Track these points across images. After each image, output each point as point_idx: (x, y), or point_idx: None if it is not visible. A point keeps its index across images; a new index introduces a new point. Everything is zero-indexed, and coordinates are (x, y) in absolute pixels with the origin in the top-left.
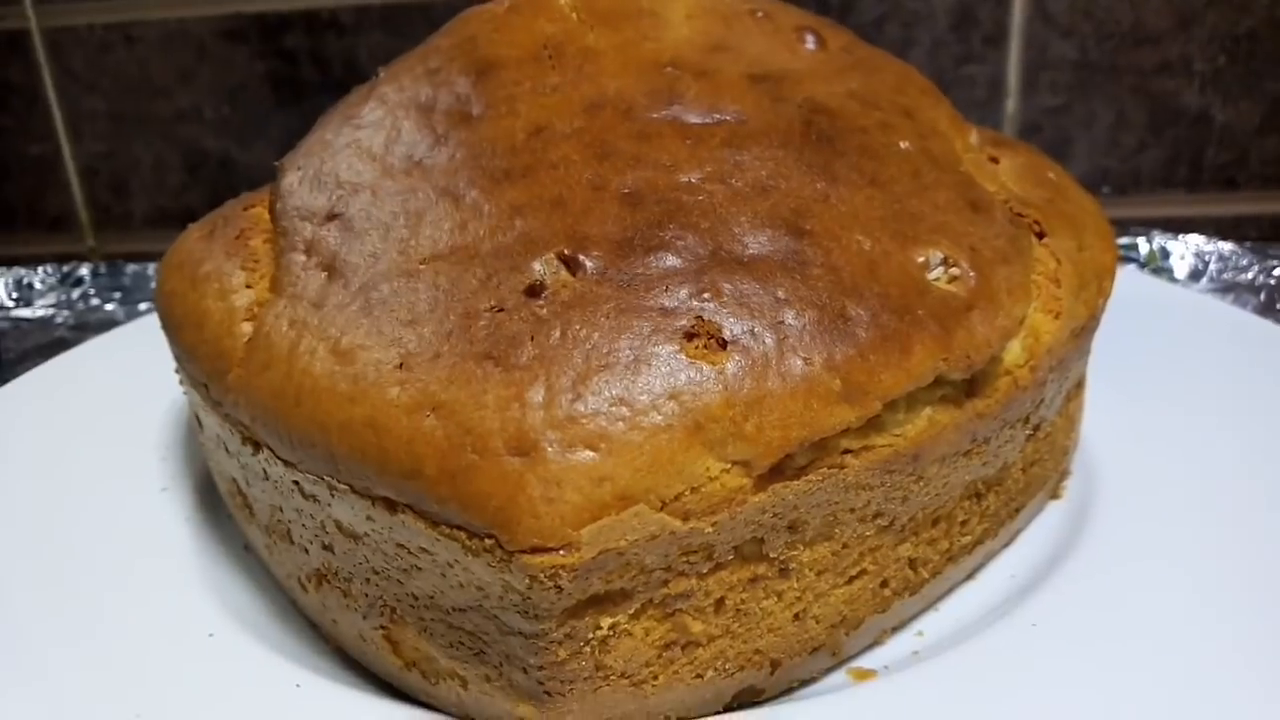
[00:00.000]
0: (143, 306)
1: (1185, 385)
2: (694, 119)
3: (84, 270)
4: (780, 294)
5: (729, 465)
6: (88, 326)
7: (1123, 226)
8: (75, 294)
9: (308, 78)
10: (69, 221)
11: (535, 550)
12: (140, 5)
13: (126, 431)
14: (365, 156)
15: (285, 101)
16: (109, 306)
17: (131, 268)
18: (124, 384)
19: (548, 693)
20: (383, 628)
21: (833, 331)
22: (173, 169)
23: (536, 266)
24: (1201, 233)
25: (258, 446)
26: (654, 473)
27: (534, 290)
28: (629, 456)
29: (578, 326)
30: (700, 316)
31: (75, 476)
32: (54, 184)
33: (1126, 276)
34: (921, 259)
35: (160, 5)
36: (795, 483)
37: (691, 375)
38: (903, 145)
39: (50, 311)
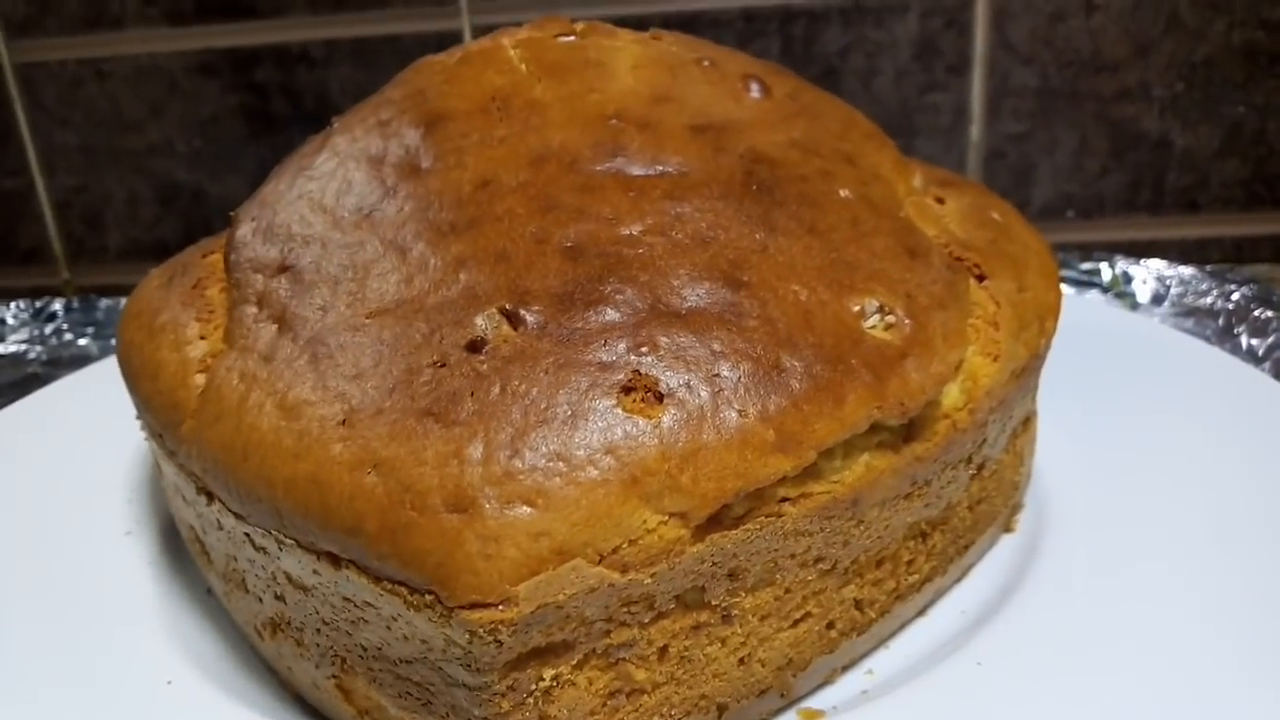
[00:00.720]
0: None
1: (1141, 416)
2: (637, 171)
3: (57, 305)
4: (716, 346)
5: (666, 517)
6: (60, 362)
7: (1087, 250)
8: (48, 329)
9: (279, 111)
10: (43, 255)
11: (474, 606)
12: (112, 41)
13: (93, 473)
14: (316, 208)
15: (257, 134)
16: (82, 341)
17: (105, 302)
18: (93, 424)
19: None
20: (334, 677)
21: (767, 383)
22: (146, 202)
23: (479, 321)
24: (1164, 255)
25: (211, 497)
26: (591, 527)
27: (475, 345)
28: (566, 511)
29: (517, 382)
30: (637, 370)
31: (40, 518)
32: (28, 217)
33: (1086, 304)
34: (857, 307)
35: (132, 41)
36: (733, 532)
37: (628, 429)
38: (843, 193)
39: (23, 347)
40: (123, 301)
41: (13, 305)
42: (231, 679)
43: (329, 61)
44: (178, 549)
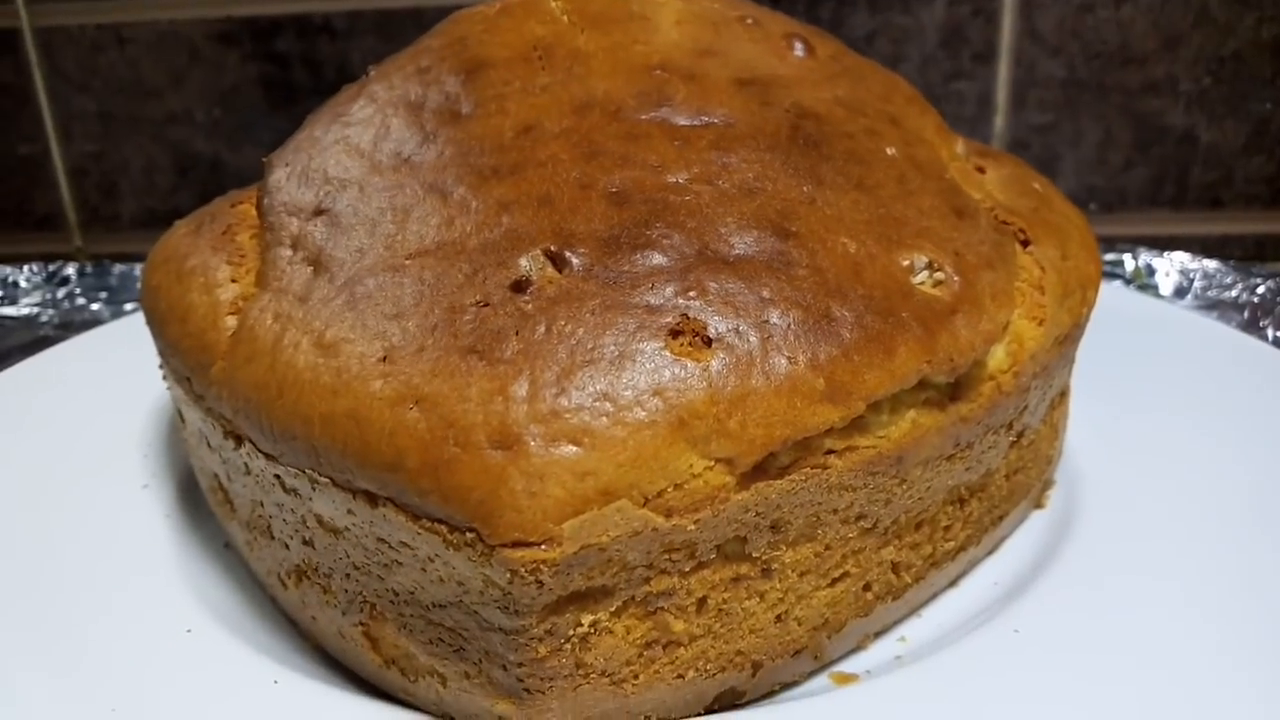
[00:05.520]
0: (129, 307)
1: (1169, 399)
2: (682, 121)
3: (70, 270)
4: (765, 294)
5: (712, 462)
6: (72, 325)
7: (1109, 243)
8: (61, 293)
9: (299, 81)
10: (57, 221)
11: (516, 544)
12: (132, 6)
13: (109, 428)
14: (354, 153)
15: (277, 105)
16: (95, 306)
17: (118, 268)
18: (108, 381)
19: (527, 690)
20: (362, 624)
21: (817, 331)
22: (162, 170)
23: (523, 262)
24: (1186, 251)
25: (239, 440)
26: (637, 468)
27: (519, 286)
28: (612, 451)
29: (563, 322)
30: (685, 314)
31: (56, 472)
32: (42, 183)
33: (1112, 292)
34: (906, 262)
35: (152, 7)
36: (778, 482)
37: (676, 372)
38: (889, 151)
39: (35, 310)
40: (137, 268)
41: (25, 268)
42: (250, 630)
43: (351, 33)
44: (195, 503)
